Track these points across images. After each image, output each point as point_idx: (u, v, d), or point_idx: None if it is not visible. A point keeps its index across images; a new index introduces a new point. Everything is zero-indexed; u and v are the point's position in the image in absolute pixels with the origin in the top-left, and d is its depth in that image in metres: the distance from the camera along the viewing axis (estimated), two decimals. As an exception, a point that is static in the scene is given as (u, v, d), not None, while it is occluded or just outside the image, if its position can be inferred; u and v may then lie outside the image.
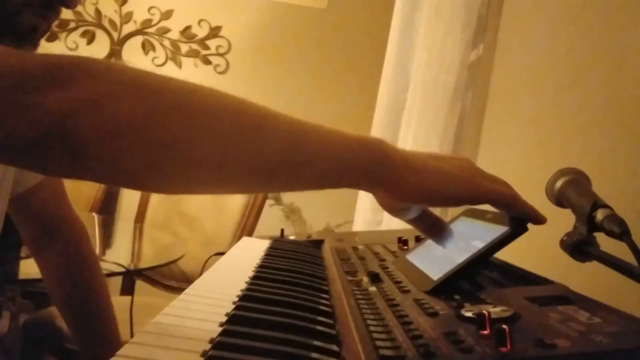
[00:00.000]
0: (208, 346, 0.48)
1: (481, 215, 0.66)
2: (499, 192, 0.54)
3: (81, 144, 0.41)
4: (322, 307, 0.61)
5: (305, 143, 0.48)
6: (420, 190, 0.51)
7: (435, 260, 0.65)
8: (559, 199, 0.64)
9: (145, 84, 0.44)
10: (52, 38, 2.97)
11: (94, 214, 2.46)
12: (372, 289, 0.61)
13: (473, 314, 0.45)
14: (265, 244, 0.98)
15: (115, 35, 3.06)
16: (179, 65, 3.08)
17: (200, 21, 3.09)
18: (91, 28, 3.06)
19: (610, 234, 0.54)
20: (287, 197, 2.88)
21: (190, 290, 0.68)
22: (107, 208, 2.71)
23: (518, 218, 0.57)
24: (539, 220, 0.55)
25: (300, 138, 0.48)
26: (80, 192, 2.42)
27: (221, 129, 0.44)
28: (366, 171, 0.50)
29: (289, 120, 0.48)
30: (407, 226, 0.63)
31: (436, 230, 0.60)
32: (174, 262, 1.75)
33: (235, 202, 2.31)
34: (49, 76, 0.41)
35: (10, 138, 0.41)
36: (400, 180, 0.51)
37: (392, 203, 0.56)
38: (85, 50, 3.02)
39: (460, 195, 0.53)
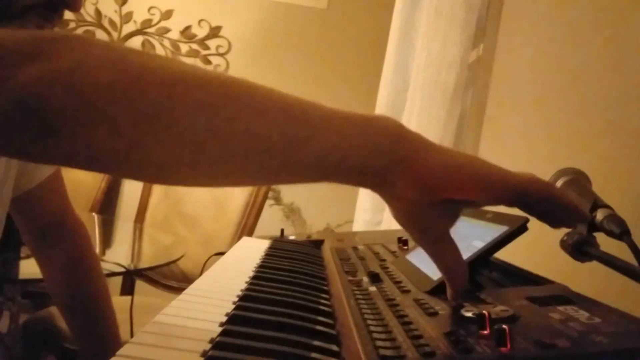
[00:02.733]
0: (208, 346, 0.48)
1: (481, 215, 0.66)
2: (536, 181, 0.44)
3: (58, 119, 0.38)
4: (322, 307, 0.61)
5: (304, 117, 0.42)
6: (444, 169, 0.42)
7: (435, 260, 0.65)
8: (559, 199, 0.63)
9: (125, 56, 0.41)
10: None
11: (94, 214, 2.46)
12: (372, 289, 0.61)
13: (473, 314, 0.45)
14: (265, 244, 0.98)
15: (115, 35, 3.06)
16: (179, 65, 3.08)
17: (200, 21, 3.09)
18: (91, 28, 3.06)
19: (610, 234, 0.54)
20: (287, 197, 2.88)
21: (190, 290, 0.68)
22: (107, 208, 2.71)
23: (518, 218, 0.57)
24: (585, 216, 0.47)
25: (299, 111, 0.42)
26: (80, 192, 2.42)
27: (204, 101, 0.40)
28: (376, 145, 0.42)
29: (285, 95, 0.43)
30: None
31: (456, 274, 0.50)
32: (174, 262, 1.75)
33: (235, 202, 2.31)
34: (28, 50, 0.39)
35: None
36: (419, 157, 0.42)
37: (407, 196, 0.44)
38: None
39: (491, 181, 0.43)
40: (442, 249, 0.49)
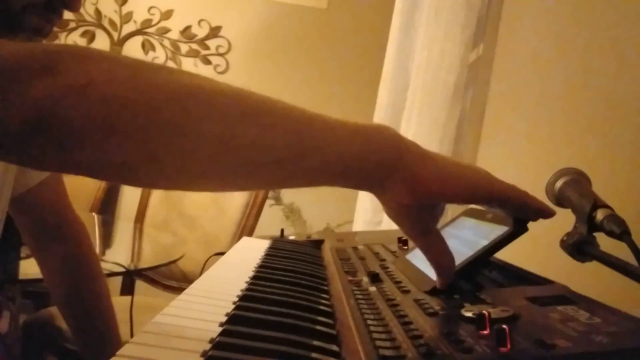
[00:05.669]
0: (208, 346, 0.48)
1: (481, 215, 0.66)
2: (514, 188, 0.52)
3: (69, 133, 0.39)
4: (322, 307, 0.61)
5: (309, 130, 0.45)
6: (438, 179, 0.47)
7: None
8: (559, 199, 0.64)
9: (137, 70, 0.42)
10: (52, 38, 2.96)
11: (94, 214, 2.46)
12: (372, 289, 0.61)
13: (473, 314, 0.45)
14: (265, 244, 0.98)
15: (115, 35, 3.06)
16: (179, 66, 3.08)
17: (200, 21, 3.09)
18: (91, 28, 3.06)
19: (610, 234, 0.54)
20: (287, 197, 2.88)
21: (190, 290, 0.68)
22: (107, 208, 2.71)
23: (519, 218, 0.57)
24: (550, 213, 0.53)
25: (303, 125, 0.45)
26: (80, 192, 2.42)
27: (215, 115, 0.42)
28: (378, 157, 0.46)
29: (290, 107, 0.45)
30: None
31: (443, 263, 0.54)
32: (174, 262, 1.75)
33: (235, 202, 2.31)
34: (36, 64, 0.40)
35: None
36: (416, 167, 0.46)
37: (402, 200, 0.48)
38: (85, 50, 3.03)
39: (478, 188, 0.49)
40: (429, 240, 0.54)
